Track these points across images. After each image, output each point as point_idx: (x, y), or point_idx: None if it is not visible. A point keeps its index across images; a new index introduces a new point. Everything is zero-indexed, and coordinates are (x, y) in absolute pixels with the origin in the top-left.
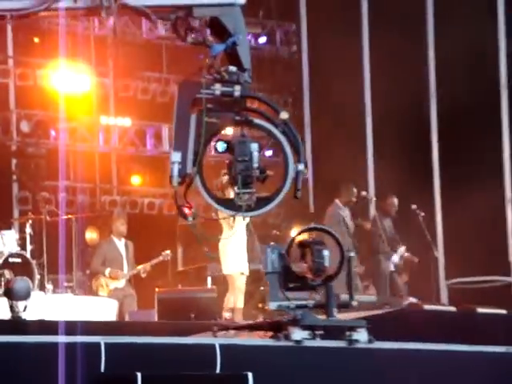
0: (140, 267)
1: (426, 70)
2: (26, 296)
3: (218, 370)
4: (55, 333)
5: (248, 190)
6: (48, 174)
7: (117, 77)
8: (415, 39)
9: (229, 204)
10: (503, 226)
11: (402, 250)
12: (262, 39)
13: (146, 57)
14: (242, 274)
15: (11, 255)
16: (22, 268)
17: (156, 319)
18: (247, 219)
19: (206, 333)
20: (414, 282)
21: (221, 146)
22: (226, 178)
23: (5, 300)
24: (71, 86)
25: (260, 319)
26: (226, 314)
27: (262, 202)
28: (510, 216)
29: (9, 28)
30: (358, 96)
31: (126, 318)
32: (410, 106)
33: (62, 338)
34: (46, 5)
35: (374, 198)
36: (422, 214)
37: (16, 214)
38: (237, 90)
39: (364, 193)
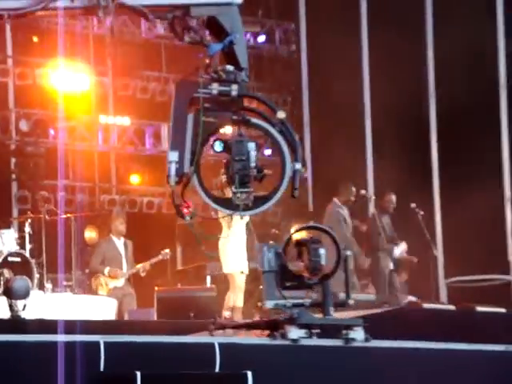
0: (139, 266)
1: (425, 69)
2: (25, 295)
3: (217, 369)
4: (54, 332)
5: (245, 190)
6: (47, 173)
7: (116, 76)
8: (414, 39)
9: (226, 203)
10: (502, 225)
11: (403, 244)
12: (261, 38)
13: (144, 56)
14: (242, 272)
15: (10, 254)
16: (21, 267)
17: (155, 318)
18: (247, 218)
19: (203, 332)
20: (414, 280)
21: (218, 146)
22: (225, 177)
23: (4, 299)
24: (70, 85)
25: (256, 318)
26: (226, 313)
27: (259, 201)
28: (509, 215)
29: (8, 27)
30: (358, 95)
31: (126, 317)
32: (409, 106)
33: (61, 337)
34: (43, 4)
35: (373, 197)
36: (422, 212)
37: (15, 213)
38: (234, 90)
39: (363, 191)
